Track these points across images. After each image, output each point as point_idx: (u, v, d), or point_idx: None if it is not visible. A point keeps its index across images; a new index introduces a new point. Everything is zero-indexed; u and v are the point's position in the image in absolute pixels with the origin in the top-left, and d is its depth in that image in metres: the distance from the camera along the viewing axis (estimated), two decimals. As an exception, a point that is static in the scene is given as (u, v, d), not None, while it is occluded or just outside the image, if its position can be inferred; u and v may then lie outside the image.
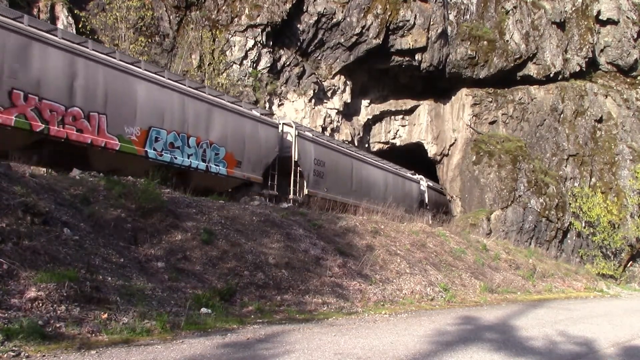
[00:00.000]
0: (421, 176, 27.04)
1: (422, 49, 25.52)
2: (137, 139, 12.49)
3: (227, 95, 16.58)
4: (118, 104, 12.13)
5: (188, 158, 13.67)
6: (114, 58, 12.43)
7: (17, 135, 10.47)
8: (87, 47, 11.86)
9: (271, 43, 22.17)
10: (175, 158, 13.35)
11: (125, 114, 12.29)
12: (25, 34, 10.59)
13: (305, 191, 17.18)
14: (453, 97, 29.31)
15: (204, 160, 14.14)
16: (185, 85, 14.06)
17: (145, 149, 12.68)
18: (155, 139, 12.92)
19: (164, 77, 13.57)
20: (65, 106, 11.15)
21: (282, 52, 22.78)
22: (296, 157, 17.19)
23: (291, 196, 16.58)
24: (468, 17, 27.84)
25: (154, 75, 13.27)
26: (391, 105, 28.82)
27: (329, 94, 24.78)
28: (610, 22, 31.58)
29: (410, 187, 25.26)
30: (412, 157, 29.66)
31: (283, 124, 17.55)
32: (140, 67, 13.02)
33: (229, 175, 14.80)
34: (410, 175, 25.66)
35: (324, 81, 24.29)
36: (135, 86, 12.60)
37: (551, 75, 29.43)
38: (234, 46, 21.07)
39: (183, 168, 13.54)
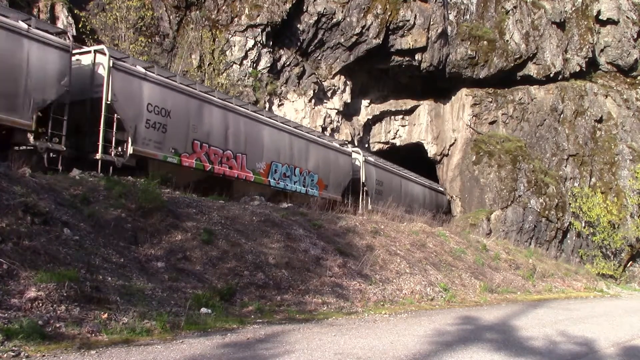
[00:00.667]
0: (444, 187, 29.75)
1: (422, 49, 25.52)
2: (263, 171, 16.21)
3: (315, 131, 20.38)
4: (253, 145, 15.85)
5: (294, 184, 17.38)
6: (249, 110, 16.15)
7: (195, 173, 14.01)
8: (232, 103, 15.49)
9: (271, 43, 22.17)
10: (287, 185, 17.06)
11: (257, 153, 16.01)
12: (200, 98, 14.31)
13: (370, 207, 18.88)
14: (453, 97, 29.31)
15: (303, 186, 17.80)
16: (291, 127, 17.77)
17: (269, 179, 16.40)
18: (274, 170, 16.64)
19: (278, 122, 17.21)
20: (222, 150, 14.88)
21: (282, 52, 22.78)
22: (364, 179, 20.44)
23: (360, 211, 17.96)
24: (468, 17, 27.85)
25: (273, 120, 16.99)
26: (391, 105, 28.83)
27: (329, 94, 24.78)
28: (610, 22, 31.58)
29: (437, 197, 28.37)
30: (412, 157, 29.66)
31: (353, 151, 20.76)
32: (263, 115, 16.84)
33: (320, 197, 17.39)
34: (438, 188, 28.73)
35: (324, 81, 24.29)
36: (263, 131, 16.32)
37: (551, 75, 29.43)
38: (234, 46, 21.07)
39: (290, 192, 16.89)
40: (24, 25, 10.78)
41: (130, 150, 12.26)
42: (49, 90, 11.14)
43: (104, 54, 12.04)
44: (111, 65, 11.91)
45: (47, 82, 11.11)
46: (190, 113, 13.86)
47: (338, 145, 19.83)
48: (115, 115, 11.99)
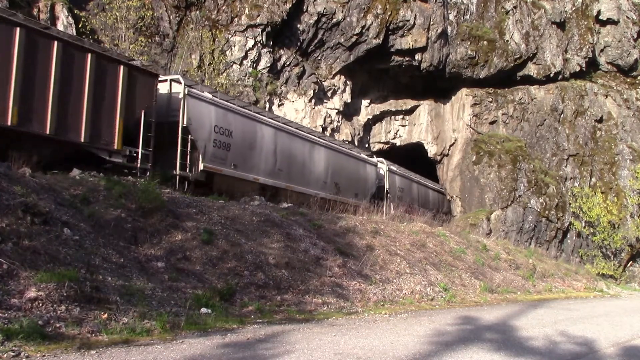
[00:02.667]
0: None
1: (422, 49, 25.51)
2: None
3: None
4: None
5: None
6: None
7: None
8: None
9: (271, 43, 22.17)
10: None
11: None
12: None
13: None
14: (453, 97, 29.31)
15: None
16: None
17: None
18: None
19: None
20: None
21: (282, 52, 22.77)
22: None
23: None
24: (468, 17, 27.84)
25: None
26: (391, 105, 28.82)
27: (329, 94, 24.77)
28: (610, 22, 31.58)
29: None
30: (412, 157, 29.66)
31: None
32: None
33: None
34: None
35: (324, 81, 24.29)
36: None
37: (551, 75, 29.43)
38: (234, 46, 21.06)
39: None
40: (365, 157, 19.54)
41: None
42: (374, 187, 19.54)
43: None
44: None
45: (372, 183, 20.27)
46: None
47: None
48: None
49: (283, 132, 16.93)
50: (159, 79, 13.45)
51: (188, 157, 13.39)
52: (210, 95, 14.49)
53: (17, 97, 9.99)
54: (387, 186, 22.67)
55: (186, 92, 13.43)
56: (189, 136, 13.44)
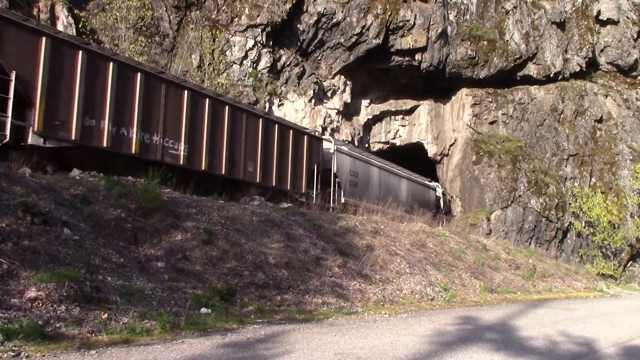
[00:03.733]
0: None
1: (422, 49, 25.51)
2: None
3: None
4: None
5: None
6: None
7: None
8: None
9: (271, 43, 22.16)
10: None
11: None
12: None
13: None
14: (453, 97, 29.31)
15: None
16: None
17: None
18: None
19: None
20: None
21: (282, 52, 22.77)
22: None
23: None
24: (468, 17, 27.84)
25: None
26: (391, 105, 28.82)
27: (329, 94, 24.77)
28: (610, 22, 31.59)
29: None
30: (412, 157, 29.65)
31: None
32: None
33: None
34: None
35: (324, 81, 24.28)
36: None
37: (551, 75, 29.43)
38: (234, 46, 21.06)
39: None
40: (427, 182, 23.02)
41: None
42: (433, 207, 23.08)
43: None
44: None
45: (432, 204, 24.04)
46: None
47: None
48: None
49: (383, 170, 22.36)
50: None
51: (335, 194, 18.60)
52: (347, 149, 20.05)
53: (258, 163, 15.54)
54: (442, 205, 22.79)
55: (335, 149, 18.86)
56: (336, 179, 18.76)
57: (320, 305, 8.85)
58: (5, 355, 4.40)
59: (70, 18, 16.51)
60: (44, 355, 4.56)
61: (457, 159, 28.59)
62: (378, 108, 28.35)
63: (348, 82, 25.33)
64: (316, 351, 5.52)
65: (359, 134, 27.28)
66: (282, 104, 22.87)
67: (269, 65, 21.87)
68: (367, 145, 28.39)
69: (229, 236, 9.71)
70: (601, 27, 31.81)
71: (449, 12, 26.93)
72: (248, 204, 13.09)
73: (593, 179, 29.08)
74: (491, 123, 28.84)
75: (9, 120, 9.60)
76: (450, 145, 29.13)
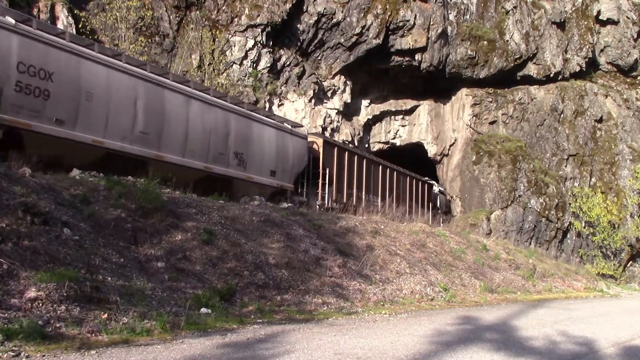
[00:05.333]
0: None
1: (422, 49, 25.51)
2: None
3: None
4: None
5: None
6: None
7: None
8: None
9: (271, 43, 22.16)
10: None
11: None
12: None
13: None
14: (453, 97, 29.31)
15: None
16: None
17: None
18: None
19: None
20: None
21: (282, 52, 22.77)
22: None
23: None
24: (468, 17, 27.84)
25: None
26: (391, 105, 28.82)
27: (329, 94, 24.77)
28: (610, 22, 31.59)
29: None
30: (412, 157, 29.65)
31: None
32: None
33: None
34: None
35: (324, 81, 24.28)
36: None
37: (551, 75, 29.43)
38: (234, 46, 21.06)
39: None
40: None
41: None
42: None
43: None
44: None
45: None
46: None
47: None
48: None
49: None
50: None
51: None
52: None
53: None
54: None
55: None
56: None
57: (320, 305, 8.85)
58: (5, 356, 4.40)
59: (70, 18, 16.52)
60: (44, 355, 4.56)
61: (457, 159, 28.59)
62: (378, 108, 28.35)
63: (348, 82, 25.33)
64: (316, 351, 5.52)
65: (359, 134, 27.28)
66: (282, 104, 22.87)
67: (269, 65, 21.87)
68: (367, 145, 28.40)
69: (229, 236, 9.71)
70: (601, 27, 31.81)
71: (449, 12, 26.93)
72: (248, 204, 13.09)
73: (593, 179, 29.08)
74: (491, 123, 28.84)
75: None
76: (450, 145, 29.12)
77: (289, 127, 17.20)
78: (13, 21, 10.37)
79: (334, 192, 18.30)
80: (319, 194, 17.44)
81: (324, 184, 17.94)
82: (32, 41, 10.53)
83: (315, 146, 18.40)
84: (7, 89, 10.00)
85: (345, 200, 18.26)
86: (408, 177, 24.61)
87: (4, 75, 9.98)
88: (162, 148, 12.66)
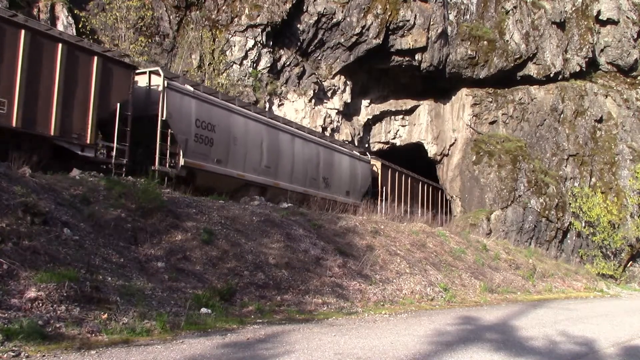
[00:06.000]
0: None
1: (422, 49, 25.51)
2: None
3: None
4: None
5: None
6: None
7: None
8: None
9: (271, 43, 22.17)
10: None
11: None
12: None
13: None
14: (453, 97, 29.30)
15: None
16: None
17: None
18: None
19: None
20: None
21: (282, 52, 22.77)
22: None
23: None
24: (468, 17, 27.83)
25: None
26: (391, 105, 28.81)
27: (329, 94, 24.77)
28: (610, 22, 31.58)
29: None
30: (412, 157, 29.65)
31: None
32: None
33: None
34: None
35: (324, 81, 24.29)
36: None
37: (551, 75, 29.42)
38: (234, 46, 21.06)
39: None
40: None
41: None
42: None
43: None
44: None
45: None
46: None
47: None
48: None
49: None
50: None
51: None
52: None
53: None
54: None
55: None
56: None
57: (320, 306, 8.85)
58: (5, 356, 4.40)
59: (70, 18, 16.52)
60: (44, 356, 4.56)
61: (457, 159, 28.59)
62: (378, 108, 28.35)
63: (348, 82, 25.33)
64: (316, 351, 5.52)
65: (359, 134, 27.28)
66: (282, 104, 22.88)
67: (269, 65, 21.87)
68: (367, 145, 28.40)
69: (229, 236, 9.71)
70: (601, 27, 31.79)
71: (449, 12, 26.93)
72: (248, 204, 13.09)
73: (593, 179, 29.07)
74: (491, 123, 28.84)
75: None
76: (450, 145, 29.13)
77: (357, 154, 21.06)
78: (192, 89, 13.99)
79: (389, 206, 20.10)
80: (378, 209, 18.98)
81: (381, 200, 20.74)
82: (203, 102, 14.18)
83: (374, 168, 21.88)
84: (190, 140, 13.60)
85: (397, 213, 18.82)
86: (434, 188, 28.16)
87: (188, 130, 13.58)
88: (277, 177, 16.40)
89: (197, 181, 13.52)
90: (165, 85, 13.13)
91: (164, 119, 13.05)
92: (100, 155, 11.99)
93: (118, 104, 12.07)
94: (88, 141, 11.45)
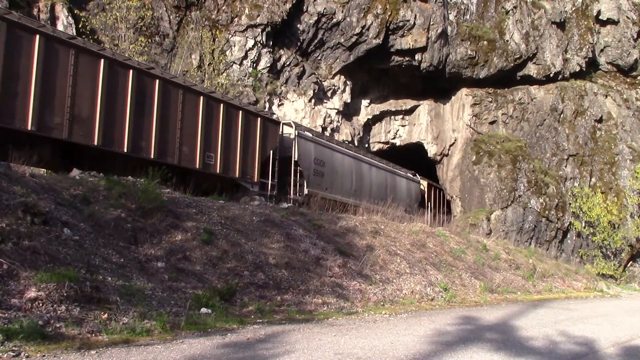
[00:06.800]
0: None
1: (422, 49, 25.51)
2: None
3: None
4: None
5: None
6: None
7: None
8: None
9: (271, 43, 22.16)
10: None
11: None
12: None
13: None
14: (453, 97, 29.30)
15: None
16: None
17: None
18: None
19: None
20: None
21: (282, 52, 22.77)
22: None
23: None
24: (468, 17, 27.83)
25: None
26: (391, 105, 28.81)
27: (329, 94, 24.77)
28: (610, 22, 31.58)
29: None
30: (412, 157, 29.65)
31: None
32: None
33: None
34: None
35: (324, 81, 24.28)
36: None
37: (551, 75, 29.42)
38: (234, 46, 21.06)
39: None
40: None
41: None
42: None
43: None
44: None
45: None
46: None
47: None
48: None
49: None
50: None
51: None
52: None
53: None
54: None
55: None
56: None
57: (321, 306, 8.85)
58: (5, 356, 4.40)
59: (70, 18, 16.51)
60: (44, 356, 4.56)
61: (457, 159, 28.58)
62: (378, 108, 28.35)
63: (348, 82, 25.33)
64: (316, 351, 5.52)
65: (359, 134, 27.28)
66: (282, 104, 22.87)
67: (269, 65, 21.87)
68: (367, 145, 28.40)
69: (229, 236, 9.71)
70: (601, 27, 31.80)
71: (449, 12, 26.93)
72: (248, 204, 13.09)
73: (593, 179, 29.07)
74: (491, 123, 28.84)
75: None
76: (450, 145, 29.12)
77: (411, 176, 25.69)
78: (311, 135, 18.46)
79: (431, 215, 25.90)
80: (425, 218, 22.55)
81: (427, 210, 25.64)
82: (317, 145, 18.48)
83: (422, 187, 26.57)
84: (310, 174, 17.70)
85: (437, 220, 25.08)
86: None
87: (309, 166, 17.73)
88: (361, 198, 19.01)
89: (311, 205, 16.15)
90: (296, 134, 17.35)
91: (296, 159, 17.25)
92: (259, 189, 15.84)
93: (271, 151, 16.30)
94: (255, 180, 15.62)
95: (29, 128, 10.22)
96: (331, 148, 19.38)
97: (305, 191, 17.32)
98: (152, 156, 12.44)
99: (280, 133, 16.94)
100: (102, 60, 11.63)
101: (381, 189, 22.09)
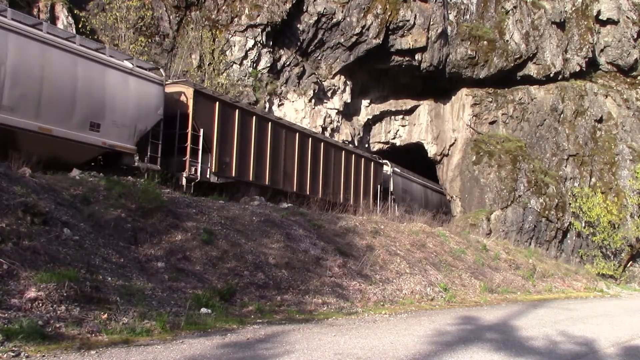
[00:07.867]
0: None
1: (422, 49, 25.51)
2: None
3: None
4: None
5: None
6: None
7: None
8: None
9: (271, 43, 22.16)
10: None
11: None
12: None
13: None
14: (453, 97, 29.30)
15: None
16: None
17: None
18: None
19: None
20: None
21: (282, 52, 22.77)
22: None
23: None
24: (468, 17, 27.83)
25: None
26: (391, 105, 28.81)
27: (329, 94, 24.77)
28: (610, 22, 31.58)
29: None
30: (412, 157, 29.65)
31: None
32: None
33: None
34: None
35: (324, 81, 24.28)
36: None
37: (551, 75, 29.42)
38: (234, 46, 21.06)
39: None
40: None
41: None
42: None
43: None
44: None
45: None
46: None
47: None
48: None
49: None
50: None
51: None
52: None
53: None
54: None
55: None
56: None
57: (320, 306, 8.85)
58: (5, 356, 4.40)
59: (70, 18, 16.51)
60: (44, 356, 4.56)
61: (457, 159, 28.58)
62: (378, 108, 28.34)
63: (348, 82, 25.32)
64: (316, 351, 5.52)
65: (359, 134, 27.27)
66: (282, 104, 22.87)
67: (269, 65, 21.87)
68: (367, 145, 28.39)
69: (229, 236, 9.71)
70: (601, 27, 31.80)
71: (449, 12, 26.93)
72: (248, 204, 13.09)
73: (593, 179, 29.07)
74: (491, 123, 28.84)
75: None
76: (450, 145, 29.12)
77: (439, 188, 29.72)
78: (399, 170, 24.94)
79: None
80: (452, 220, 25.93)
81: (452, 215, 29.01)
82: (402, 177, 25.19)
83: (448, 197, 29.46)
84: (398, 198, 24.22)
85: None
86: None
87: (399, 194, 24.41)
88: (426, 210, 22.34)
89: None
90: (392, 171, 23.95)
91: (391, 190, 23.67)
92: None
93: (379, 185, 22.28)
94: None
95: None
96: (409, 179, 26.09)
97: (397, 213, 21.30)
98: (307, 193, 17.88)
99: (384, 172, 23.50)
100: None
101: (432, 202, 28.46)
